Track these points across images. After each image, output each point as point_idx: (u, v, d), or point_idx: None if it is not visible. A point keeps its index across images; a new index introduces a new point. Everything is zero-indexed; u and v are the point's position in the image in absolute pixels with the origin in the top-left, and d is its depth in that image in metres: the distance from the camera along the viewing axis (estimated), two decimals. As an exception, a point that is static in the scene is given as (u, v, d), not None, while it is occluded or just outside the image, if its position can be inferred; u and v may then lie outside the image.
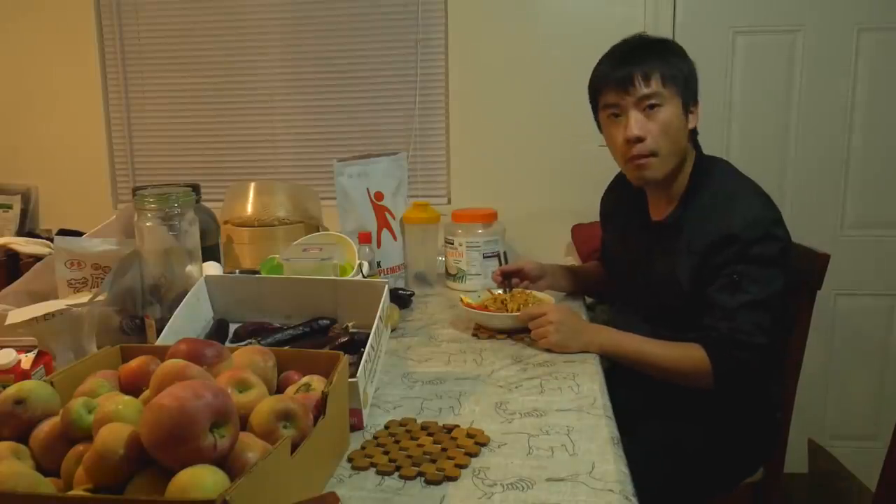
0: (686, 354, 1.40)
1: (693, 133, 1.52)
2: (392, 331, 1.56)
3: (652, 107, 1.43)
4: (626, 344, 1.45)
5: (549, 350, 1.44)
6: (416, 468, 0.97)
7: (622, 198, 1.68)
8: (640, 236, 1.59)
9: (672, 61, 1.45)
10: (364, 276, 1.61)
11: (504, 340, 1.52)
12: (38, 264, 1.49)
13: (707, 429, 1.49)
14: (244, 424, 0.84)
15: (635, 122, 1.44)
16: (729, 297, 1.37)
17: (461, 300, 1.67)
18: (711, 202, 1.44)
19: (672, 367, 1.41)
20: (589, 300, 1.92)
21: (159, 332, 1.22)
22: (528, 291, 1.70)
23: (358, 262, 1.63)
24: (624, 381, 1.43)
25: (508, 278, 1.76)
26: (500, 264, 1.80)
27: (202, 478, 0.70)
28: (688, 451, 1.46)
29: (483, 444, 1.04)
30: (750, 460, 1.62)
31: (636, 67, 1.43)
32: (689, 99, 1.47)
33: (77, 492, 0.75)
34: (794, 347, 1.64)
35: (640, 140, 1.44)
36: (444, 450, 1.02)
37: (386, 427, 1.11)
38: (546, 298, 1.66)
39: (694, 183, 1.49)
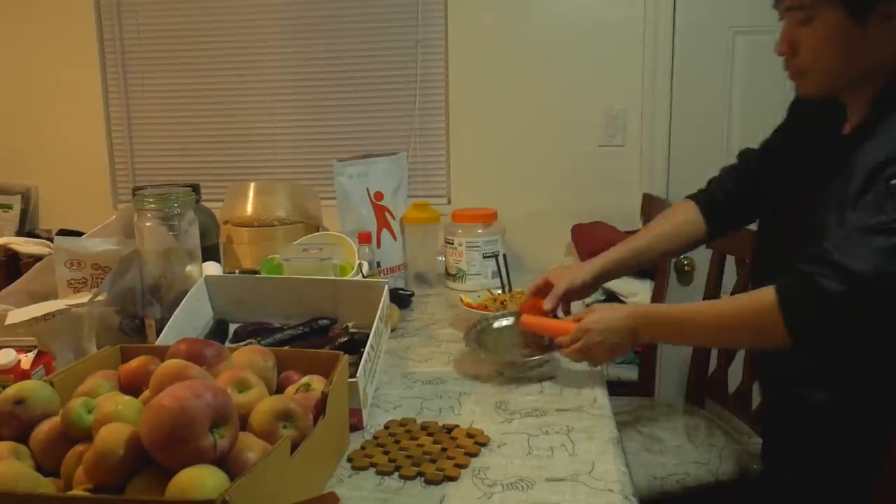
0: (749, 299, 1.09)
1: None
2: (392, 331, 1.56)
3: (802, 18, 1.11)
4: (680, 319, 1.17)
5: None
6: (416, 468, 0.97)
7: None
8: (824, 154, 1.18)
9: None
10: (364, 276, 1.61)
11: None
12: (38, 264, 1.49)
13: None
14: (244, 424, 0.84)
15: (782, 36, 1.15)
16: (862, 214, 1.01)
17: (461, 300, 1.67)
18: None
19: (739, 324, 1.11)
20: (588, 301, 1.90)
21: (159, 332, 1.22)
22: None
23: (358, 262, 1.63)
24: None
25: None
26: (498, 266, 1.79)
27: (202, 478, 0.70)
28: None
29: (483, 444, 1.04)
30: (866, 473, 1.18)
31: None
32: (865, 4, 1.05)
33: (77, 492, 0.75)
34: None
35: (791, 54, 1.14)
36: (444, 450, 1.02)
37: (386, 427, 1.11)
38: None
39: (890, 85, 1.11)
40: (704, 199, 1.44)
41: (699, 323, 1.16)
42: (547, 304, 1.37)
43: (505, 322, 1.43)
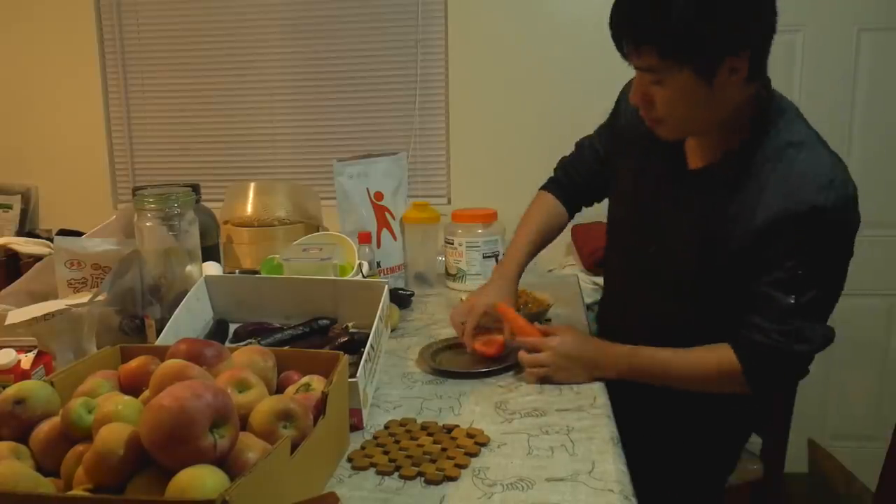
0: (714, 361, 1.20)
1: (754, 76, 1.15)
2: (392, 331, 1.56)
3: (654, 80, 1.15)
4: (647, 366, 1.24)
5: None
6: (416, 468, 0.97)
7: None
8: (668, 183, 1.28)
9: (677, 28, 1.07)
10: (364, 276, 1.61)
11: (504, 340, 1.52)
12: (38, 264, 1.49)
13: (689, 423, 1.38)
14: (244, 424, 0.84)
15: (635, 89, 1.19)
16: (788, 293, 1.12)
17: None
18: (782, 154, 1.14)
19: (703, 379, 1.23)
20: (587, 301, 1.91)
21: (159, 332, 1.22)
22: (528, 292, 1.69)
23: (358, 262, 1.63)
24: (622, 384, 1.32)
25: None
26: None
27: (202, 478, 0.70)
28: (677, 458, 1.40)
29: (483, 444, 1.04)
30: (743, 428, 1.48)
31: (626, 35, 1.15)
32: (712, 62, 1.09)
33: (77, 492, 0.75)
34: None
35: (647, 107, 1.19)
36: (444, 450, 1.02)
37: (386, 427, 1.11)
38: (543, 298, 1.65)
39: (754, 134, 1.18)
40: (560, 189, 1.58)
41: (666, 373, 1.24)
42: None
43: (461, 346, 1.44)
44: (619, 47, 1.18)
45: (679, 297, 1.28)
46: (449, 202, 2.53)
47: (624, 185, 1.40)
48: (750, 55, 1.11)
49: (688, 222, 1.24)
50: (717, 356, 1.20)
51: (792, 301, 1.13)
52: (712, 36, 1.07)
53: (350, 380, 1.05)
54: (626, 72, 1.21)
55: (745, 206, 1.15)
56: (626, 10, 1.14)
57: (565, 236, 2.36)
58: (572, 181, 1.57)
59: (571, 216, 1.59)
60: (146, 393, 0.87)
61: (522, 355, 1.28)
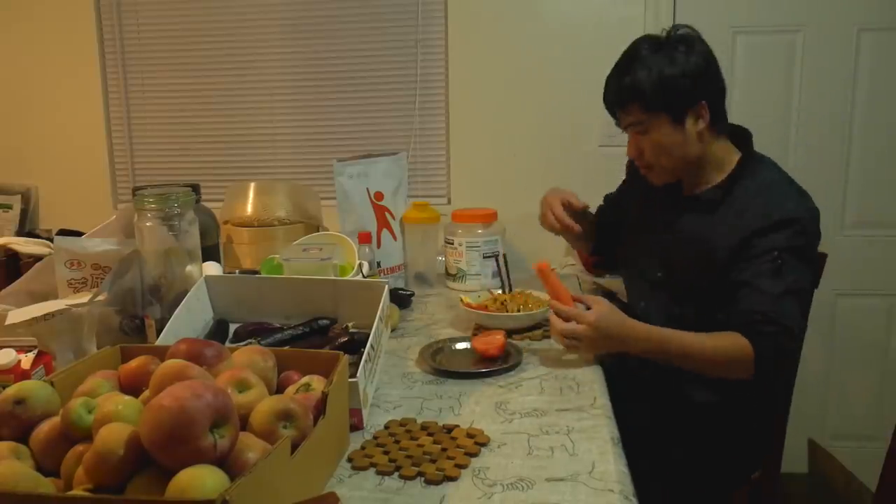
0: (728, 344, 1.35)
1: (717, 124, 1.49)
2: (392, 331, 1.56)
3: (640, 131, 1.49)
4: (667, 344, 1.38)
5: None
6: (416, 468, 0.97)
7: None
8: (668, 207, 1.57)
9: (651, 88, 1.44)
10: (364, 276, 1.61)
11: (504, 340, 1.52)
12: (38, 264, 1.49)
13: (697, 443, 1.49)
14: (244, 424, 0.84)
15: (630, 144, 1.54)
16: (769, 281, 1.35)
17: (461, 300, 1.67)
18: (757, 191, 1.44)
19: (714, 360, 1.37)
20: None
21: (159, 332, 1.22)
22: (528, 292, 1.70)
23: (358, 262, 1.63)
24: (630, 394, 1.39)
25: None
26: (499, 266, 1.80)
27: (202, 478, 0.70)
28: (680, 475, 1.46)
29: (483, 444, 1.04)
30: (751, 460, 1.62)
31: (615, 103, 1.51)
32: (680, 111, 1.46)
33: (77, 492, 0.75)
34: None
35: (639, 156, 1.54)
36: (444, 450, 1.02)
37: (386, 427, 1.11)
38: (543, 298, 1.65)
39: (737, 174, 1.49)
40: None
41: (683, 351, 1.37)
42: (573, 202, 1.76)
43: (461, 346, 1.46)
44: (613, 114, 1.54)
45: (683, 305, 1.50)
46: (449, 202, 2.53)
47: (634, 212, 1.69)
48: (708, 105, 1.46)
49: (685, 238, 1.50)
50: (731, 340, 1.35)
51: (777, 287, 1.35)
52: (675, 91, 1.44)
53: (350, 380, 1.05)
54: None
55: (730, 223, 1.43)
56: (612, 84, 1.51)
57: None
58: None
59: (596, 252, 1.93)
60: (146, 393, 0.87)
61: (556, 322, 1.36)
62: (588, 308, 1.35)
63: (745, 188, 1.46)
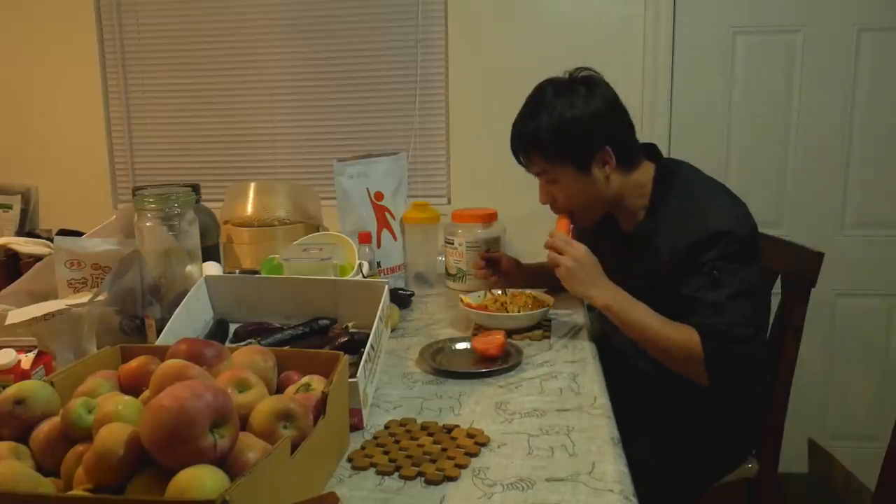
0: (684, 337, 1.38)
1: (627, 162, 1.49)
2: (392, 331, 1.56)
3: (548, 179, 1.51)
4: (631, 311, 1.43)
5: (557, 281, 1.50)
6: (416, 468, 0.97)
7: None
8: (614, 248, 1.58)
9: (548, 139, 1.44)
10: (364, 276, 1.61)
11: (504, 340, 1.52)
12: (38, 264, 1.49)
13: (691, 426, 1.50)
14: (244, 424, 0.84)
15: (541, 191, 1.56)
16: (712, 292, 1.37)
17: (461, 300, 1.67)
18: (682, 206, 1.45)
19: (668, 347, 1.40)
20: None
21: (159, 332, 1.22)
22: (528, 292, 1.70)
23: (358, 262, 1.63)
24: (619, 380, 1.41)
25: (491, 265, 1.82)
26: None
27: (202, 478, 0.70)
28: (672, 451, 1.47)
29: (483, 444, 1.04)
30: (732, 455, 1.63)
31: (518, 151, 1.53)
32: (584, 158, 1.46)
33: (77, 492, 0.75)
34: (788, 347, 1.63)
35: (552, 204, 1.56)
36: (444, 450, 1.02)
37: (386, 427, 1.11)
38: (547, 299, 1.66)
39: (657, 194, 1.50)
40: None
41: (640, 324, 1.42)
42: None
43: (461, 346, 1.46)
44: (518, 160, 1.55)
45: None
46: (449, 202, 2.53)
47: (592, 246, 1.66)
48: (613, 148, 1.46)
49: (636, 273, 1.51)
50: (686, 334, 1.38)
51: (720, 296, 1.37)
52: (575, 139, 1.44)
53: (350, 380, 1.05)
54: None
55: (666, 249, 1.44)
56: (517, 133, 1.52)
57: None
58: None
59: None
60: (146, 393, 0.87)
61: (553, 243, 1.48)
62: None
63: (671, 207, 1.46)
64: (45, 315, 1.23)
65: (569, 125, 1.44)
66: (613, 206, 1.55)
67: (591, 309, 1.89)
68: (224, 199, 2.08)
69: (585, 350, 1.46)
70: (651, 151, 1.55)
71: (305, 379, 1.00)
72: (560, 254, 1.46)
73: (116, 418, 0.78)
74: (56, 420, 0.84)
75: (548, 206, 1.59)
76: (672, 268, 1.43)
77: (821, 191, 2.39)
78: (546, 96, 1.48)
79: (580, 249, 1.46)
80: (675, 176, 1.51)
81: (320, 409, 0.91)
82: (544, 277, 1.77)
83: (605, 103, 1.46)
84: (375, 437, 1.07)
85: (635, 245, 1.53)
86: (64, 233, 1.74)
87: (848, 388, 2.47)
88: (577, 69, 1.53)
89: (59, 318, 1.24)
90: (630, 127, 1.52)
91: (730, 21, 2.34)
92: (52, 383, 0.91)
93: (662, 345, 1.40)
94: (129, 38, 2.64)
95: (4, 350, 1.09)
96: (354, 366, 1.09)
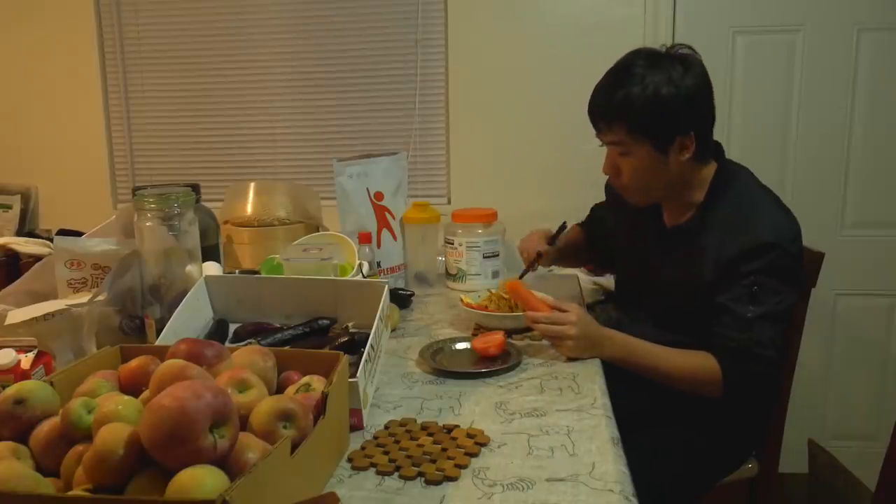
0: (698, 364, 1.38)
1: (702, 154, 1.44)
2: (392, 331, 1.56)
3: (621, 151, 1.43)
4: (639, 354, 1.42)
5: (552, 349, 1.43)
6: (416, 468, 0.97)
7: None
8: (653, 240, 1.55)
9: (639, 110, 1.36)
10: (364, 276, 1.61)
11: (504, 340, 1.52)
12: (38, 264, 1.49)
13: (691, 427, 1.50)
14: (244, 424, 0.84)
15: (607, 161, 1.48)
16: (746, 307, 1.35)
17: (461, 300, 1.67)
18: (735, 211, 1.41)
19: (683, 377, 1.40)
20: (588, 300, 1.92)
21: (159, 332, 1.22)
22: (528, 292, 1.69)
23: (358, 262, 1.63)
24: (627, 381, 1.41)
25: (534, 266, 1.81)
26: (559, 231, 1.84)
27: (202, 478, 0.70)
28: (672, 451, 1.47)
29: (483, 444, 1.04)
30: (732, 457, 1.63)
31: (599, 117, 1.43)
32: (665, 140, 1.39)
33: (77, 492, 0.75)
34: (789, 347, 1.63)
35: (615, 176, 1.48)
36: (444, 450, 1.02)
37: (386, 427, 1.11)
38: (546, 298, 1.65)
39: (713, 193, 1.45)
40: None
41: (653, 364, 1.42)
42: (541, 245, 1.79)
43: (461, 346, 1.46)
44: (596, 126, 1.46)
45: (674, 330, 1.47)
46: (449, 202, 2.53)
47: (621, 242, 1.67)
48: (695, 137, 1.39)
49: (671, 268, 1.49)
50: (700, 360, 1.39)
51: (753, 311, 1.35)
52: (665, 117, 1.36)
53: (350, 380, 1.05)
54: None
55: (711, 251, 1.40)
56: (602, 96, 1.42)
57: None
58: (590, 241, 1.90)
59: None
60: (146, 393, 0.87)
61: (546, 330, 1.39)
62: (564, 312, 1.39)
63: (724, 210, 1.42)
64: (45, 315, 1.23)
65: (663, 101, 1.35)
66: (669, 196, 1.49)
67: (590, 308, 1.89)
68: (224, 199, 2.08)
69: (585, 350, 1.46)
70: (717, 150, 1.50)
71: (305, 379, 1.00)
72: (559, 330, 1.38)
73: (116, 418, 0.78)
74: (56, 420, 0.84)
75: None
76: (712, 271, 1.39)
77: (821, 191, 2.39)
78: (637, 67, 1.37)
79: (571, 316, 1.38)
80: (734, 178, 1.46)
81: (320, 409, 0.91)
82: (576, 254, 1.87)
83: (700, 86, 1.38)
84: (375, 437, 1.07)
85: (678, 241, 1.49)
86: (64, 233, 1.74)
87: (848, 388, 2.46)
88: (674, 45, 1.43)
89: (59, 318, 1.24)
90: (714, 119, 1.45)
91: (730, 21, 2.34)
92: (51, 383, 0.91)
93: (685, 378, 1.40)
94: (129, 38, 2.64)
95: (4, 350, 1.09)
96: (354, 366, 1.09)
